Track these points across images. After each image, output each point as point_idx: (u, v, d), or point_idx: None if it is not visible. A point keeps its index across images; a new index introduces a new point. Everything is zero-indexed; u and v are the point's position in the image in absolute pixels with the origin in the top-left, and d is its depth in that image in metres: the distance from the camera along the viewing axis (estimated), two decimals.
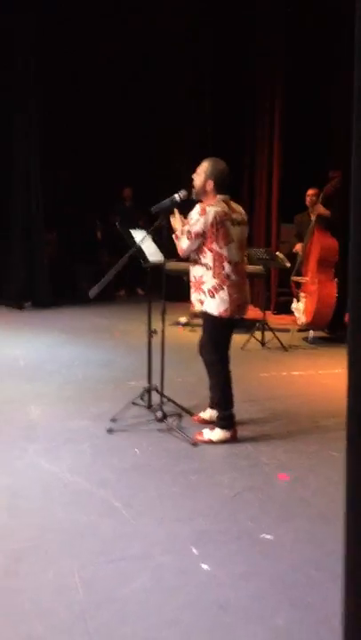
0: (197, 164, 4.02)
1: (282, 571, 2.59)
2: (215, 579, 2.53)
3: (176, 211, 3.99)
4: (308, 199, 7.19)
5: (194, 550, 2.72)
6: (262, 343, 6.76)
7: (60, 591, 2.43)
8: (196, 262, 3.91)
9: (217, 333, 3.96)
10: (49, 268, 9.17)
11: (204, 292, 3.88)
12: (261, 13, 8.75)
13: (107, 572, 2.55)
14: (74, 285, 9.47)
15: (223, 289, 3.81)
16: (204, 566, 2.60)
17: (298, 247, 7.18)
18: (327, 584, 2.48)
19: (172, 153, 9.70)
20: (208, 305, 3.87)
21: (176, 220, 3.99)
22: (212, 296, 3.84)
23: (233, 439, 3.98)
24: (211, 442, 3.94)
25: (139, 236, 4.25)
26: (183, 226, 3.92)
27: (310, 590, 2.46)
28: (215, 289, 3.82)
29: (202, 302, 3.91)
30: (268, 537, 2.84)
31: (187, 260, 4.03)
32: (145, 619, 2.27)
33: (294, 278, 7.18)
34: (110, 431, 4.08)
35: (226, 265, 3.81)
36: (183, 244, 3.84)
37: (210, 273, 3.83)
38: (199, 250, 3.84)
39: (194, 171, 3.98)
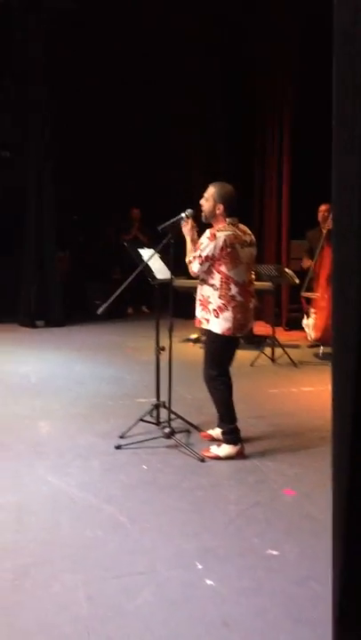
0: (208, 182, 4.10)
1: (286, 586, 2.59)
2: (219, 594, 2.53)
3: (190, 222, 4.05)
4: (320, 215, 7.22)
5: (199, 566, 2.73)
6: (272, 359, 6.76)
7: (64, 606, 2.45)
8: (205, 282, 3.98)
9: (217, 350, 4.06)
10: (61, 286, 9.26)
11: (209, 312, 3.96)
12: (273, 24, 8.82)
13: (112, 588, 2.57)
14: (85, 303, 9.55)
15: (228, 309, 3.92)
16: (209, 582, 2.61)
17: (307, 263, 7.19)
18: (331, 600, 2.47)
19: (183, 171, 9.80)
20: (212, 324, 3.97)
21: (188, 233, 4.03)
22: (217, 316, 3.94)
23: (240, 455, 3.99)
24: (218, 457, 3.96)
25: (146, 254, 4.30)
26: (193, 242, 3.98)
27: (314, 606, 2.46)
28: (220, 309, 3.93)
29: (207, 321, 4.00)
30: (274, 552, 2.85)
31: (195, 277, 4.09)
32: (149, 634, 2.28)
33: (304, 294, 7.20)
34: (119, 447, 4.11)
35: (232, 286, 3.90)
36: (194, 268, 3.95)
37: (216, 293, 3.93)
38: (208, 271, 3.92)
39: (203, 192, 4.06)
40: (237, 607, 2.45)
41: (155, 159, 10.12)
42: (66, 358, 6.91)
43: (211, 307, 3.98)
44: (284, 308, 8.91)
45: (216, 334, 3.98)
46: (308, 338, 7.17)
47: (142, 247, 4.46)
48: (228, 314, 3.92)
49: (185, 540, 2.95)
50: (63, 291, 9.26)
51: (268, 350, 6.79)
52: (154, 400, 4.51)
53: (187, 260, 4.03)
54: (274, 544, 2.92)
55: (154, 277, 4.31)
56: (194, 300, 4.13)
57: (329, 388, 5.02)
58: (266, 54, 9.00)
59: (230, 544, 2.92)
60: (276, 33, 8.70)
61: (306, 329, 7.18)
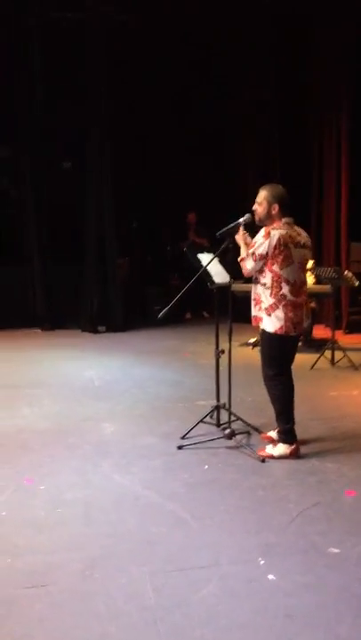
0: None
1: (347, 583, 2.63)
2: (281, 589, 2.59)
3: (241, 229, 4.14)
4: None
5: (261, 561, 2.80)
6: (332, 362, 6.74)
7: (132, 596, 2.56)
8: (257, 281, 4.05)
9: (272, 350, 4.10)
10: (122, 292, 9.47)
11: (261, 310, 4.03)
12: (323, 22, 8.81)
13: (177, 580, 2.67)
14: (145, 309, 9.74)
15: (279, 308, 3.97)
16: (271, 577, 2.68)
17: None
18: None
19: (239, 176, 9.88)
20: (265, 323, 4.04)
21: (241, 239, 4.13)
22: (269, 315, 4.00)
23: (294, 454, 4.03)
24: (272, 457, 4.02)
25: (205, 259, 4.40)
26: (247, 246, 4.07)
27: None
28: (272, 307, 3.99)
29: (260, 320, 4.05)
30: (336, 551, 2.88)
31: (249, 277, 4.18)
32: (214, 623, 2.37)
33: None
34: (180, 448, 4.21)
35: (284, 285, 3.95)
36: (248, 265, 4.00)
37: (268, 292, 3.99)
38: (260, 270, 3.98)
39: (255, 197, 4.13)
40: (299, 601, 2.51)
41: (211, 164, 10.22)
42: (127, 362, 7.08)
43: (263, 305, 4.05)
44: (344, 310, 8.83)
45: (269, 333, 4.04)
46: None
47: (202, 252, 4.57)
48: (279, 312, 3.97)
49: (247, 537, 3.02)
50: (123, 296, 9.48)
51: (327, 353, 6.77)
52: (213, 402, 4.60)
53: (239, 259, 4.10)
54: (335, 542, 2.95)
55: (212, 282, 4.40)
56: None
57: None
58: (324, 58, 8.97)
59: (292, 541, 2.98)
60: (333, 37, 8.68)
61: None
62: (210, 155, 10.27)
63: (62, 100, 9.29)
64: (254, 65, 9.58)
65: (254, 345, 7.56)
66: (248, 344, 7.74)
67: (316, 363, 6.59)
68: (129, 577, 2.69)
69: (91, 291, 9.32)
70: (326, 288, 6.98)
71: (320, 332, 8.17)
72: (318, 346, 7.18)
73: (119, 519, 3.24)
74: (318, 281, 7.11)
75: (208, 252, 4.59)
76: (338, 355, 6.76)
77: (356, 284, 6.86)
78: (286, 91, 9.34)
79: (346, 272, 7.02)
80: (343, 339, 7.93)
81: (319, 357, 6.65)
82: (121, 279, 9.71)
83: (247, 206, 4.20)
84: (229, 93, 9.96)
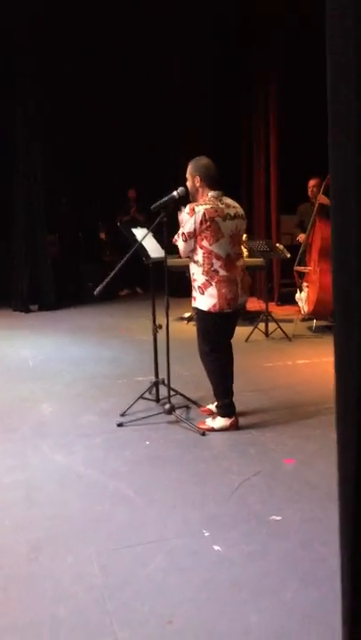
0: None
1: (290, 549, 2.70)
2: (227, 559, 2.64)
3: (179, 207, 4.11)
4: (310, 190, 7.26)
5: (206, 533, 2.84)
6: (266, 334, 6.86)
7: (79, 576, 2.54)
8: (191, 260, 4.04)
9: (207, 328, 4.08)
10: (53, 270, 9.28)
11: (195, 289, 4.03)
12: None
13: (123, 557, 2.67)
14: (79, 286, 9.59)
15: (212, 285, 3.93)
16: (216, 547, 2.72)
17: (301, 237, 7.24)
18: (334, 559, 2.57)
19: (172, 152, 9.80)
20: (199, 301, 4.02)
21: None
22: (202, 293, 3.98)
23: (234, 426, 4.09)
24: (212, 429, 4.07)
25: (140, 234, 4.35)
26: None
27: (318, 566, 2.57)
28: (205, 285, 3.96)
29: (194, 299, 4.06)
30: (277, 518, 2.95)
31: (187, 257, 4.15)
32: (162, 597, 2.39)
33: (297, 268, 7.27)
34: (121, 425, 4.19)
35: (215, 261, 3.92)
36: (180, 246, 3.99)
37: (200, 270, 3.97)
38: (193, 248, 3.96)
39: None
40: (245, 570, 2.56)
41: (145, 141, 10.08)
42: (61, 341, 6.97)
43: (196, 284, 4.01)
44: (275, 283, 8.99)
45: (203, 312, 4.01)
46: (301, 312, 7.26)
47: (136, 227, 4.51)
48: (212, 290, 3.93)
49: (191, 510, 3.05)
50: (54, 274, 9.29)
51: (261, 325, 6.88)
52: (152, 378, 4.60)
53: (173, 240, 4.07)
54: (277, 510, 3.02)
55: (148, 257, 4.36)
56: (186, 278, 4.19)
57: (324, 360, 5.16)
58: (257, 26, 8.93)
59: (235, 512, 3.03)
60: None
61: (299, 303, 7.27)
62: (145, 130, 10.11)
63: None
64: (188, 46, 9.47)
65: (189, 319, 7.59)
66: (183, 319, 7.77)
67: (250, 335, 6.69)
68: (75, 557, 2.68)
69: (20, 269, 9.08)
70: (259, 261, 7.06)
71: (253, 304, 8.27)
72: (252, 318, 7.29)
73: (62, 500, 3.20)
74: (251, 254, 7.18)
75: (142, 226, 4.54)
76: (271, 326, 6.88)
77: (288, 255, 6.98)
78: (218, 66, 9.31)
79: (278, 244, 7.12)
80: (276, 310, 8.08)
81: (253, 330, 6.75)
82: (52, 256, 9.51)
83: (181, 181, 4.17)
84: (160, 67, 9.83)
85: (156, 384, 4.55)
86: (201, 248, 3.92)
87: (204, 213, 3.86)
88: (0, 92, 8.86)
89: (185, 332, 6.66)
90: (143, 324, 7.29)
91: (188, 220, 3.90)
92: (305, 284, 7.17)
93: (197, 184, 3.99)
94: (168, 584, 2.47)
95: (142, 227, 4.54)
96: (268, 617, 2.27)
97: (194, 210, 3.89)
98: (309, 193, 7.26)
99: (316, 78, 7.99)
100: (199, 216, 3.86)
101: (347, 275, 1.39)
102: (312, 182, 7.24)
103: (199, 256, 3.94)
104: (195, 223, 3.87)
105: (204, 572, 2.55)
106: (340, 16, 1.30)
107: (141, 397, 4.45)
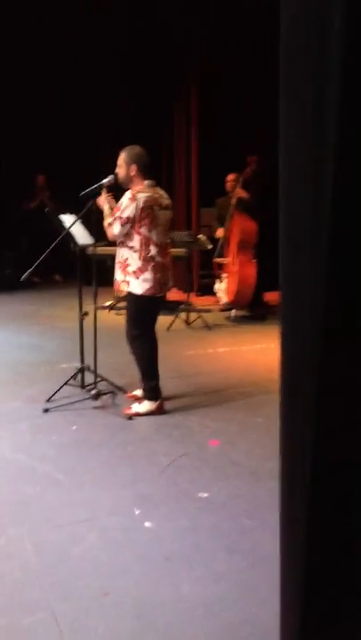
0: (117, 149, 4.19)
1: (218, 523, 2.83)
2: (158, 534, 2.74)
3: (105, 192, 4.15)
4: (228, 184, 7.46)
5: (136, 511, 2.92)
6: (187, 323, 7.00)
7: (12, 556, 2.56)
8: (123, 245, 4.09)
9: (139, 311, 4.18)
10: None
11: (129, 274, 4.08)
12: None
13: (56, 537, 2.71)
14: None
15: (148, 270, 4.04)
16: (148, 524, 2.81)
17: (219, 232, 7.43)
18: (259, 531, 2.74)
19: (90, 140, 9.73)
20: (133, 285, 4.09)
21: (105, 201, 4.14)
22: (137, 277, 4.06)
23: (160, 410, 4.20)
24: (138, 414, 4.15)
25: (68, 220, 4.35)
26: (112, 209, 4.08)
27: (244, 537, 2.72)
28: (140, 270, 4.04)
29: (127, 283, 4.11)
30: (205, 495, 3.08)
31: (113, 244, 4.20)
32: (97, 573, 2.45)
33: (216, 260, 7.45)
34: (47, 411, 4.19)
35: (152, 247, 4.03)
36: (115, 230, 4.01)
37: (136, 255, 4.04)
38: (127, 234, 4.01)
39: (116, 160, 4.14)
40: (176, 544, 2.66)
41: (62, 132, 9.92)
42: None
43: (130, 269, 4.08)
44: (195, 274, 9.15)
45: (137, 295, 4.09)
46: (220, 302, 7.46)
47: (63, 214, 4.50)
48: (148, 274, 4.03)
49: (121, 490, 3.13)
50: None
51: (182, 315, 7.02)
52: (77, 365, 4.62)
53: (105, 224, 4.11)
54: (204, 488, 3.15)
55: (76, 243, 4.37)
56: (106, 267, 4.24)
57: (243, 348, 5.33)
58: (176, 20, 9.01)
59: (164, 490, 3.13)
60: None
61: (218, 293, 7.46)
62: (62, 117, 9.95)
63: None
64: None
65: (110, 307, 7.62)
66: (104, 307, 7.78)
67: (172, 324, 6.81)
68: (7, 538, 2.69)
69: None
70: (181, 251, 7.19)
71: (174, 294, 8.39)
72: (172, 308, 7.40)
73: None
74: (173, 245, 7.29)
75: (64, 213, 4.54)
76: (192, 316, 7.03)
77: (210, 246, 7.15)
78: (139, 53, 9.30)
79: (199, 235, 7.27)
80: (196, 300, 8.24)
81: (175, 319, 6.88)
82: None
83: (103, 169, 4.20)
84: (78, 49, 9.70)
85: (81, 370, 4.57)
86: (138, 234, 3.99)
87: (146, 201, 3.95)
88: None
89: (106, 320, 6.67)
90: (64, 313, 7.26)
91: (129, 205, 3.95)
92: (224, 274, 7.37)
93: (132, 173, 4.05)
94: (102, 560, 2.54)
95: (65, 213, 4.53)
96: (199, 586, 2.38)
97: (135, 197, 3.96)
98: (227, 187, 7.46)
99: (239, 73, 8.14)
100: (141, 203, 3.94)
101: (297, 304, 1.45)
102: (230, 177, 7.44)
103: (135, 242, 4.01)
104: (136, 210, 3.94)
105: (136, 548, 2.63)
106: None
107: (67, 384, 4.47)
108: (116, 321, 6.68)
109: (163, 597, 2.31)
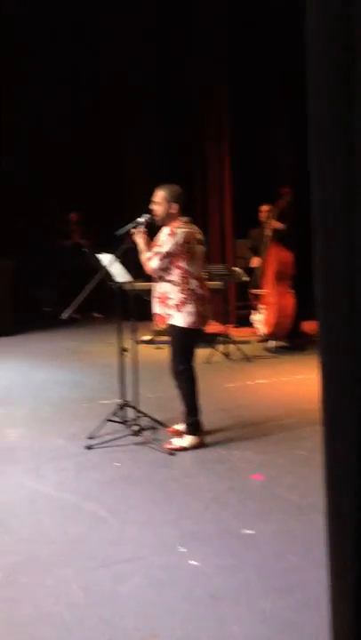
0: (150, 186, 4.33)
1: (264, 560, 2.80)
2: (204, 572, 2.71)
3: (140, 229, 4.24)
4: (261, 215, 7.52)
5: (181, 549, 2.90)
6: (226, 355, 7.00)
7: (59, 597, 2.57)
8: (162, 279, 4.15)
9: (183, 344, 4.24)
10: (9, 296, 9.22)
11: (170, 307, 4.13)
12: (203, 23, 9.06)
13: (102, 576, 2.71)
14: (35, 310, 9.56)
15: (190, 303, 4.11)
16: (193, 562, 2.79)
17: (255, 261, 7.47)
18: (306, 568, 2.70)
19: (123, 176, 9.94)
20: (176, 318, 4.14)
21: (140, 238, 4.23)
22: (179, 310, 4.12)
23: (201, 445, 4.19)
24: (183, 449, 4.15)
25: (105, 259, 4.45)
26: (148, 245, 4.17)
27: (291, 575, 2.67)
28: (182, 303, 4.11)
29: (170, 316, 4.16)
30: (250, 532, 3.05)
31: (150, 276, 4.28)
32: (143, 613, 2.44)
33: (253, 291, 7.47)
34: (89, 448, 4.23)
35: (192, 281, 4.11)
36: (154, 264, 4.10)
37: (176, 289, 4.11)
38: (165, 268, 4.09)
39: (150, 198, 4.24)
40: (222, 582, 2.64)
41: (96, 172, 10.17)
42: (22, 366, 6.93)
43: (171, 302, 4.15)
44: (232, 306, 9.16)
45: (181, 328, 4.15)
46: (259, 333, 7.44)
47: (100, 253, 4.60)
48: (190, 307, 4.11)
49: (165, 527, 3.12)
50: (11, 300, 9.23)
51: (221, 347, 7.03)
52: (117, 401, 4.65)
53: (144, 258, 4.19)
54: (249, 523, 3.12)
55: (115, 280, 4.46)
56: (143, 302, 4.30)
57: (282, 379, 5.30)
58: (203, 52, 9.20)
59: (208, 527, 3.11)
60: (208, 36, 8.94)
61: (256, 324, 7.45)
62: (93, 155, 10.20)
63: None
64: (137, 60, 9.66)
65: (148, 342, 7.68)
66: (143, 341, 7.84)
67: (210, 357, 6.81)
68: (54, 578, 2.70)
69: None
70: (218, 284, 7.23)
71: (211, 327, 8.41)
72: (210, 340, 7.41)
73: (36, 523, 3.22)
74: (210, 278, 7.34)
75: (99, 252, 4.64)
76: (230, 348, 7.03)
77: (246, 278, 7.17)
78: (168, 88, 9.52)
79: (235, 268, 7.31)
80: (233, 332, 8.23)
81: (214, 351, 6.89)
82: (8, 283, 9.45)
83: (138, 206, 4.31)
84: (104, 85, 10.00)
85: (122, 406, 4.60)
86: (178, 268, 4.08)
87: (183, 236, 4.07)
88: None
89: (145, 355, 6.71)
90: (103, 348, 7.35)
91: (168, 240, 4.06)
92: (261, 306, 7.37)
93: (173, 211, 4.15)
94: (148, 600, 2.53)
95: (100, 252, 4.63)
96: (246, 625, 2.35)
97: (174, 232, 4.06)
98: (261, 217, 7.51)
99: (270, 103, 8.18)
100: (181, 238, 4.06)
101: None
102: (265, 207, 7.50)
103: (174, 276, 4.10)
104: (175, 245, 4.05)
105: (181, 587, 2.61)
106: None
107: (109, 420, 4.50)
108: (154, 355, 6.73)
109: (209, 637, 2.28)
